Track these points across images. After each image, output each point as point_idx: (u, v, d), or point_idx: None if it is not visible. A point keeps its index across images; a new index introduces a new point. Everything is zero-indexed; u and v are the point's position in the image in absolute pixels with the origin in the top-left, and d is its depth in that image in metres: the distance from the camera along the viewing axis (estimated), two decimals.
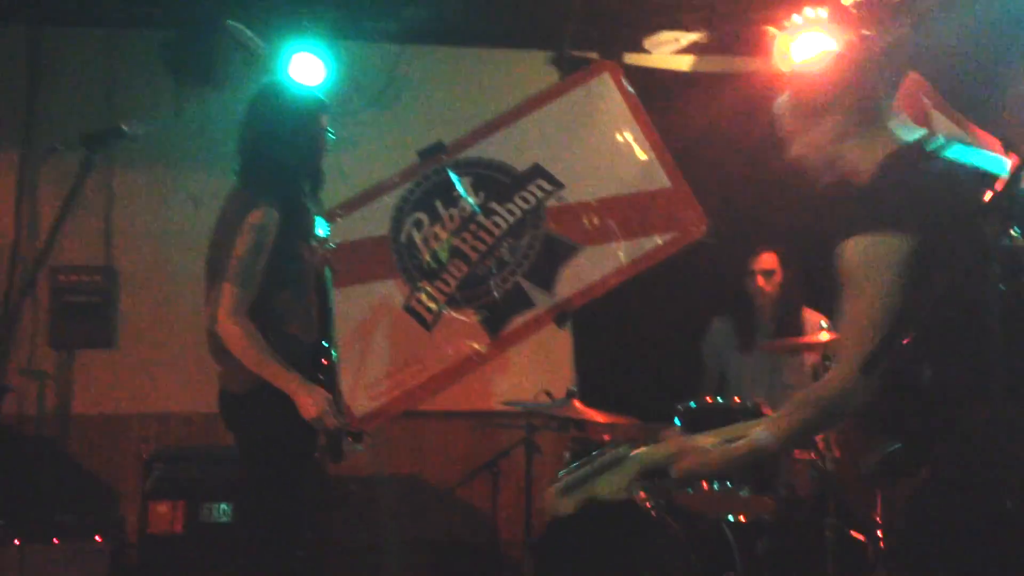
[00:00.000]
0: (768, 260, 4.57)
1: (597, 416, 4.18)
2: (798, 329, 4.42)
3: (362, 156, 4.99)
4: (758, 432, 1.97)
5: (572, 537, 3.83)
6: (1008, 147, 4.17)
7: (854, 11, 4.73)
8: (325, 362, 3.04)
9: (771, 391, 4.32)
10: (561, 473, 2.00)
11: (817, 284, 4.52)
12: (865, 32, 4.82)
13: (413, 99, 5.11)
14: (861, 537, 3.44)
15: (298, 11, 4.53)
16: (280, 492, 2.80)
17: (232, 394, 2.91)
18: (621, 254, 5.27)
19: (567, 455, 4.36)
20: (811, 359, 4.29)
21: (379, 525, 4.90)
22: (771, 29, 4.90)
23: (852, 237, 1.91)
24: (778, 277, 4.54)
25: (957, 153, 2.05)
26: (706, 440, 2.05)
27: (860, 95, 2.08)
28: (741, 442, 1.99)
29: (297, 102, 3.13)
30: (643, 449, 2.04)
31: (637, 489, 2.05)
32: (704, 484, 3.66)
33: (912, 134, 2.08)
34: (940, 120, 4.72)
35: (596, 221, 5.26)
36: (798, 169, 2.17)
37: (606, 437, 4.16)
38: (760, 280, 4.55)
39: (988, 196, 1.67)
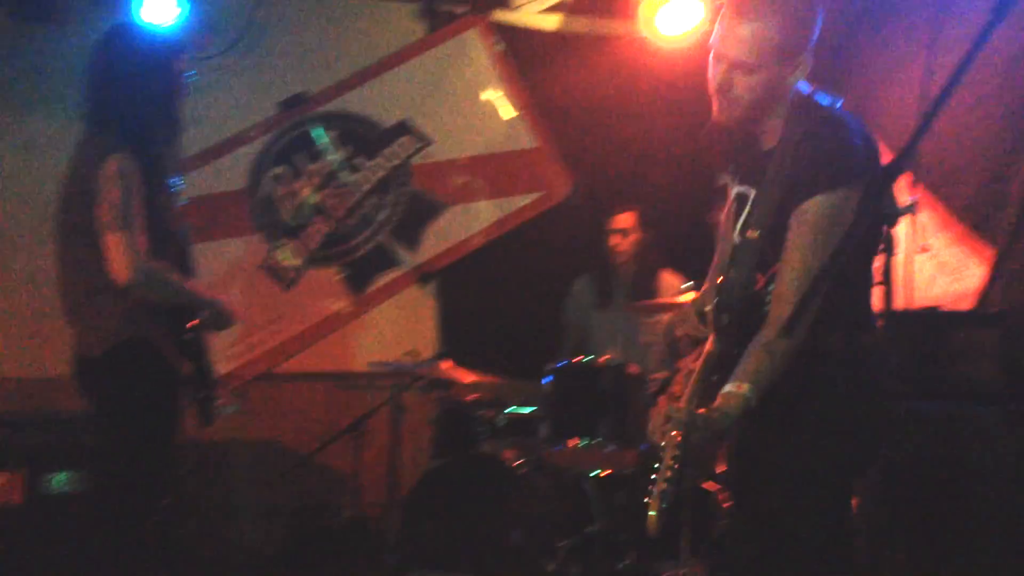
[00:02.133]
0: (624, 220, 4.61)
1: (464, 376, 4.13)
2: (655, 290, 4.50)
3: (218, 105, 4.71)
4: (746, 389, 1.92)
5: (439, 495, 3.80)
6: (891, 165, 4.35)
7: None
8: (191, 323, 2.86)
9: (627, 350, 4.38)
10: (651, 491, 1.85)
11: (677, 247, 4.59)
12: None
13: (274, 46, 4.86)
14: (714, 487, 3.54)
15: None
16: (141, 456, 2.63)
17: (89, 357, 2.70)
18: (487, 213, 5.24)
19: (432, 415, 4.31)
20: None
21: (235, 492, 4.71)
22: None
23: (817, 194, 1.92)
24: (634, 236, 4.58)
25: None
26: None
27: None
28: (741, 392, 1.92)
29: (151, 43, 2.91)
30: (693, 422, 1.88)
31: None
32: (572, 441, 3.71)
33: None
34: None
35: (463, 180, 5.20)
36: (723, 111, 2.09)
37: (473, 396, 4.12)
38: (616, 239, 4.59)
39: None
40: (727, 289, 2.07)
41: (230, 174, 4.87)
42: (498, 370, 4.35)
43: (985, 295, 3.40)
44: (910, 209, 1.80)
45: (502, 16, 5.25)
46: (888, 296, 1.76)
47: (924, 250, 3.50)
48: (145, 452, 2.64)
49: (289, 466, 4.62)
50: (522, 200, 5.25)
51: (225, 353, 4.77)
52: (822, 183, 1.92)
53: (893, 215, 1.78)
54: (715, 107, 2.10)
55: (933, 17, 3.76)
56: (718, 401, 1.92)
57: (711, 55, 2.08)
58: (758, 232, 2.02)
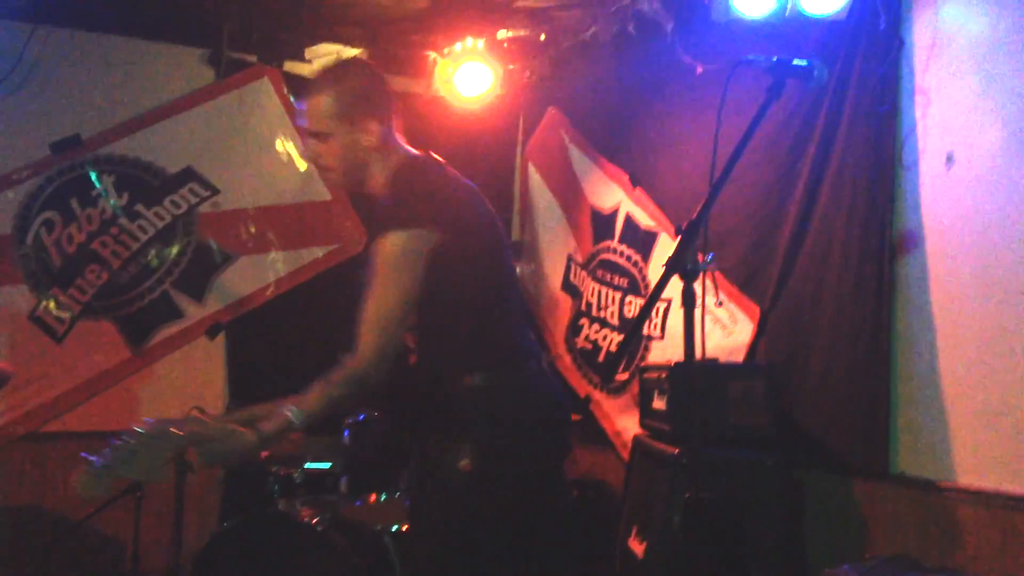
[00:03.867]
0: None
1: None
2: None
3: None
4: (290, 411, 2.09)
5: (228, 558, 3.62)
6: (634, 181, 4.65)
7: (506, 46, 5.00)
8: None
9: None
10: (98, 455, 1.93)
11: None
12: (511, 66, 5.13)
13: (45, 85, 4.56)
14: None
15: None
16: None
17: None
18: (279, 265, 5.13)
19: (221, 473, 4.13)
20: None
21: None
22: (431, 54, 5.04)
23: (388, 233, 2.13)
24: None
25: None
26: (227, 423, 2.13)
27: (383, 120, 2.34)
28: (272, 421, 2.10)
29: None
30: (174, 430, 2.04)
31: (165, 475, 2.08)
32: (372, 497, 3.66)
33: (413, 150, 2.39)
34: (575, 153, 5.15)
35: (253, 230, 5.07)
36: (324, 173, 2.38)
37: (265, 453, 3.97)
38: None
39: None
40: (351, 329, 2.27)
41: None
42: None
43: (753, 349, 3.70)
44: (708, 265, 1.97)
45: (294, 67, 5.21)
46: (690, 347, 1.90)
47: (719, 305, 3.79)
48: None
49: (57, 535, 4.26)
50: (316, 252, 5.19)
51: None
52: (393, 221, 2.14)
53: (693, 271, 1.95)
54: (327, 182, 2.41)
55: (715, 94, 4.10)
56: (267, 423, 2.09)
57: None
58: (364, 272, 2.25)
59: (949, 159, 3.02)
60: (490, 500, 2.17)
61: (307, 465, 3.84)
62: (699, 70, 4.06)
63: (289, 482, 3.83)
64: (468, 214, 2.24)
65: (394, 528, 3.69)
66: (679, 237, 1.95)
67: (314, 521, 3.63)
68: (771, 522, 2.99)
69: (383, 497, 3.62)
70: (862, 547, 3.15)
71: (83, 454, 2.02)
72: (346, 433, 3.77)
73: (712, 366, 3.37)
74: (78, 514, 4.26)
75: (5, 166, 4.54)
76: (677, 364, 3.36)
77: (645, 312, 2.29)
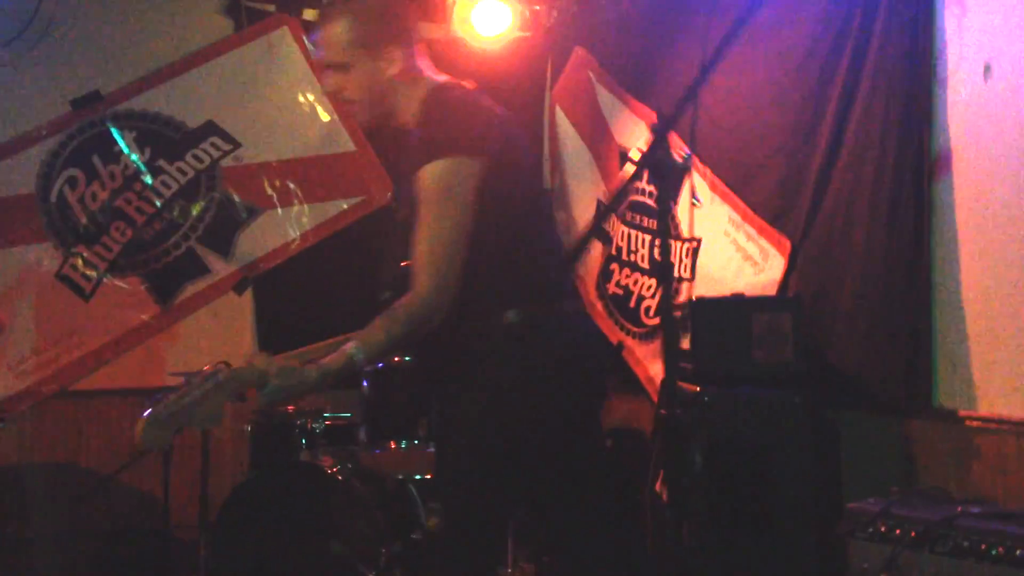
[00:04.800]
0: None
1: None
2: None
3: (1, 102, 4.35)
4: (352, 347, 1.99)
5: (253, 510, 3.61)
6: (661, 120, 4.48)
7: None
8: None
9: None
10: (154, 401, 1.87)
11: None
12: (536, 7, 4.97)
13: (64, 41, 4.53)
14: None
15: None
16: None
17: None
18: (304, 219, 5.06)
19: (248, 428, 4.10)
20: None
21: (31, 517, 4.33)
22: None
23: (428, 164, 2.00)
24: None
25: None
26: (292, 360, 2.04)
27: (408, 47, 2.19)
28: (334, 356, 2.00)
29: None
30: (232, 372, 1.98)
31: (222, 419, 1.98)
32: (392, 443, 3.61)
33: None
34: (603, 93, 4.98)
35: (277, 183, 5.00)
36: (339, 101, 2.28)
37: (290, 408, 3.94)
38: None
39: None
40: (386, 269, 2.20)
41: (17, 177, 4.50)
42: None
43: (785, 285, 3.54)
44: (686, 165, 1.84)
45: (314, 16, 5.10)
46: (665, 252, 1.78)
47: (694, 205, 3.63)
48: None
49: (89, 489, 4.29)
50: (341, 205, 5.11)
51: (17, 369, 4.41)
52: (432, 152, 2.01)
53: (668, 167, 1.81)
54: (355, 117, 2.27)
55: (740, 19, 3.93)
56: (328, 359, 1.99)
57: None
58: (402, 209, 2.14)
59: (987, 70, 2.82)
60: (513, 445, 2.06)
61: (327, 415, 3.80)
62: None
63: (311, 433, 3.79)
64: (505, 141, 2.11)
65: (418, 476, 3.65)
66: (654, 132, 1.82)
67: (335, 470, 3.59)
68: (800, 463, 2.85)
69: (403, 445, 3.56)
70: (901, 485, 2.99)
71: (156, 395, 1.92)
72: (364, 382, 3.70)
73: (735, 300, 3.22)
74: (109, 469, 4.28)
75: (26, 124, 4.52)
76: (699, 299, 3.22)
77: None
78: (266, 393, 1.97)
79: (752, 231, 3.76)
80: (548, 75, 5.49)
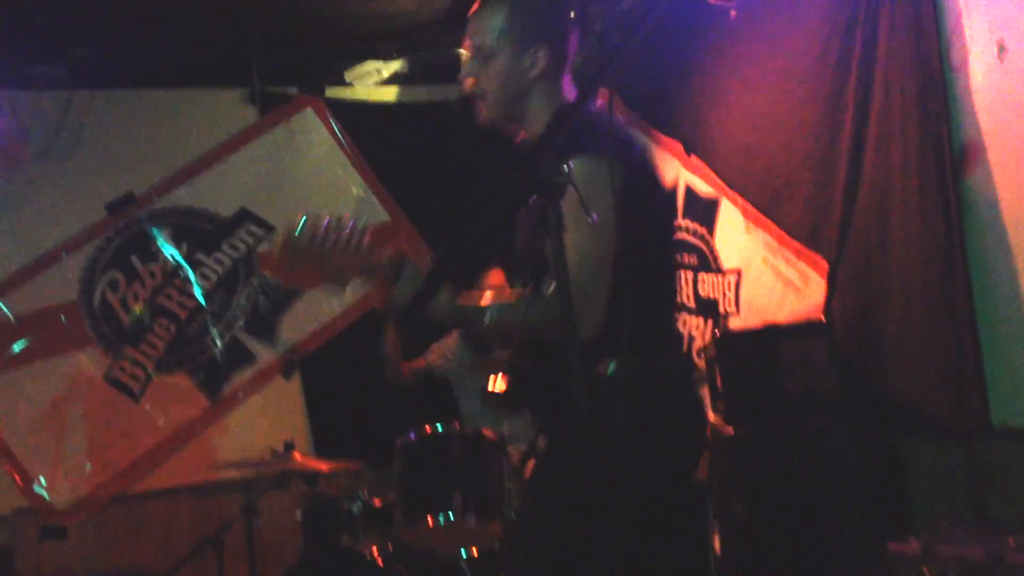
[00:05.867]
0: (496, 276, 4.47)
1: (319, 464, 3.86)
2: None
3: (37, 215, 4.47)
4: (487, 303, 1.88)
5: None
6: (688, 150, 4.30)
7: None
8: None
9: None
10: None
11: None
12: None
13: (92, 148, 4.65)
14: None
15: None
16: None
17: None
18: (346, 294, 5.01)
19: (299, 514, 4.00)
20: None
21: None
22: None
23: (571, 159, 1.76)
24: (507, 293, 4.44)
25: None
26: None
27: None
28: (469, 301, 1.88)
29: None
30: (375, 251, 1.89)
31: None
32: (429, 520, 3.44)
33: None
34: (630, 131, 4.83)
35: None
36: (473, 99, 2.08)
37: (336, 487, 3.84)
38: None
39: None
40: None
41: (59, 285, 4.58)
42: (366, 452, 4.08)
43: (828, 307, 3.29)
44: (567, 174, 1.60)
45: (336, 93, 5.13)
46: (563, 280, 1.59)
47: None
48: None
49: None
50: None
51: (74, 478, 4.43)
52: (570, 152, 1.80)
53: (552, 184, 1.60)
54: (479, 114, 2.06)
55: (750, 39, 3.75)
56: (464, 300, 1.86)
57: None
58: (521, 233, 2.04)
59: (1001, 49, 2.56)
60: (614, 503, 1.84)
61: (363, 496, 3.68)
62: (732, 15, 3.71)
63: (350, 515, 3.67)
64: (645, 163, 1.95)
65: (464, 553, 3.47)
66: (538, 143, 1.65)
67: (375, 553, 3.44)
68: (853, 497, 2.58)
69: (440, 519, 3.39)
70: (971, 512, 2.68)
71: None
72: (397, 458, 3.56)
73: (761, 331, 2.98)
74: (168, 568, 4.24)
75: (64, 232, 4.61)
76: (723, 334, 2.99)
77: None
78: (397, 289, 1.87)
79: (790, 255, 3.53)
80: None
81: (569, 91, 2.04)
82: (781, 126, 3.54)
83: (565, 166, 1.60)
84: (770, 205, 3.62)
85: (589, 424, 1.75)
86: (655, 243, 1.96)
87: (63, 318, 4.55)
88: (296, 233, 1.84)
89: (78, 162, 4.64)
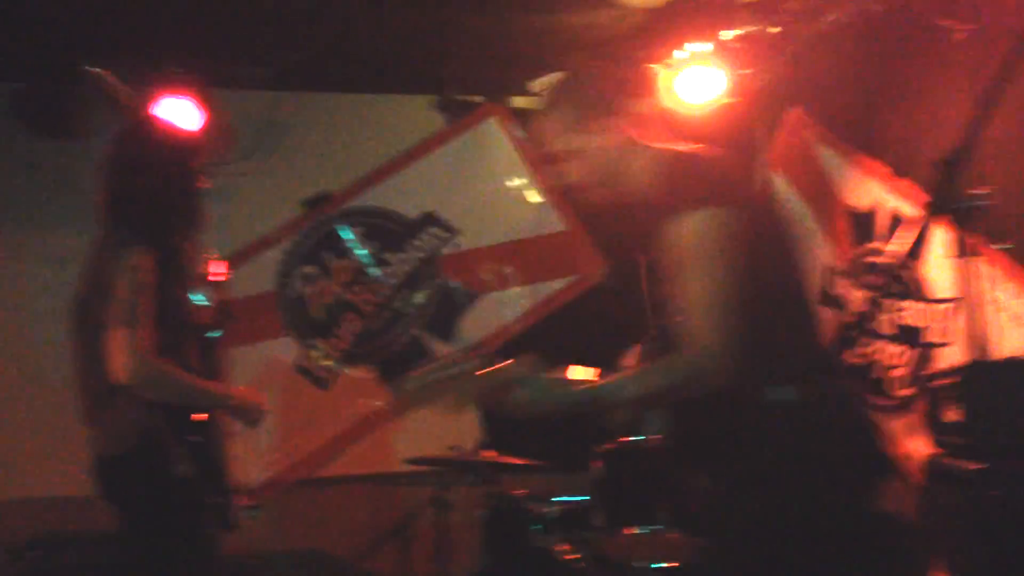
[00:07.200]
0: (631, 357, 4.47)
1: (508, 460, 3.95)
2: None
3: (241, 209, 4.71)
4: (612, 382, 1.90)
5: None
6: (897, 171, 4.22)
7: (736, 46, 4.75)
8: (198, 417, 2.72)
9: None
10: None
11: None
12: (746, 71, 4.86)
13: (293, 148, 4.88)
14: None
15: (165, 57, 4.25)
16: (167, 565, 2.47)
17: (108, 457, 2.58)
18: (521, 300, 5.11)
19: (482, 513, 4.10)
20: None
21: None
22: (654, 67, 4.88)
23: (675, 219, 1.86)
24: None
25: None
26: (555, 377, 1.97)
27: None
28: (586, 386, 1.91)
29: (169, 138, 2.88)
30: (487, 369, 1.94)
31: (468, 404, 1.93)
32: (629, 530, 3.48)
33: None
34: (825, 152, 4.76)
35: (493, 268, 5.10)
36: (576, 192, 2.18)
37: (522, 489, 3.92)
38: None
39: None
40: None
41: (258, 277, 4.81)
42: (546, 456, 4.15)
43: None
44: (982, 202, 1.60)
45: (521, 102, 5.23)
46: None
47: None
48: (170, 560, 2.48)
49: (333, 574, 4.41)
50: (555, 285, 5.13)
51: (265, 458, 4.64)
52: (678, 207, 1.86)
53: (964, 208, 1.61)
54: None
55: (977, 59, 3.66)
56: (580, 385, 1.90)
57: None
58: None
59: None
60: (790, 554, 1.83)
61: (558, 499, 3.74)
62: (959, 37, 3.64)
63: (544, 517, 3.73)
64: (760, 193, 1.99)
65: (655, 565, 3.49)
66: (941, 170, 1.65)
67: (571, 557, 3.50)
68: None
69: (643, 530, 3.42)
70: None
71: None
72: (599, 463, 3.61)
73: (1018, 361, 2.91)
74: (347, 553, 4.39)
75: (264, 227, 4.84)
76: (975, 363, 2.93)
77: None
78: (519, 397, 1.92)
79: (1018, 286, 3.44)
80: (758, 140, 5.33)
81: (644, 138, 2.09)
82: (1013, 155, 3.45)
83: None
84: (996, 233, 3.53)
85: (746, 460, 1.84)
86: (785, 278, 1.96)
87: (261, 308, 4.78)
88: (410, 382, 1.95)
89: (279, 160, 4.86)
